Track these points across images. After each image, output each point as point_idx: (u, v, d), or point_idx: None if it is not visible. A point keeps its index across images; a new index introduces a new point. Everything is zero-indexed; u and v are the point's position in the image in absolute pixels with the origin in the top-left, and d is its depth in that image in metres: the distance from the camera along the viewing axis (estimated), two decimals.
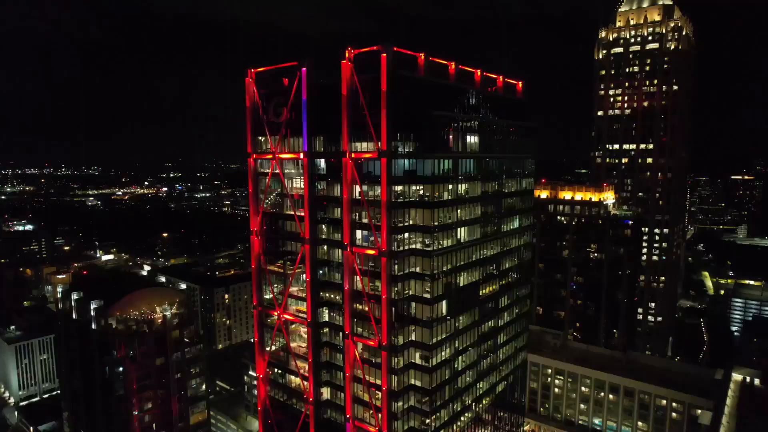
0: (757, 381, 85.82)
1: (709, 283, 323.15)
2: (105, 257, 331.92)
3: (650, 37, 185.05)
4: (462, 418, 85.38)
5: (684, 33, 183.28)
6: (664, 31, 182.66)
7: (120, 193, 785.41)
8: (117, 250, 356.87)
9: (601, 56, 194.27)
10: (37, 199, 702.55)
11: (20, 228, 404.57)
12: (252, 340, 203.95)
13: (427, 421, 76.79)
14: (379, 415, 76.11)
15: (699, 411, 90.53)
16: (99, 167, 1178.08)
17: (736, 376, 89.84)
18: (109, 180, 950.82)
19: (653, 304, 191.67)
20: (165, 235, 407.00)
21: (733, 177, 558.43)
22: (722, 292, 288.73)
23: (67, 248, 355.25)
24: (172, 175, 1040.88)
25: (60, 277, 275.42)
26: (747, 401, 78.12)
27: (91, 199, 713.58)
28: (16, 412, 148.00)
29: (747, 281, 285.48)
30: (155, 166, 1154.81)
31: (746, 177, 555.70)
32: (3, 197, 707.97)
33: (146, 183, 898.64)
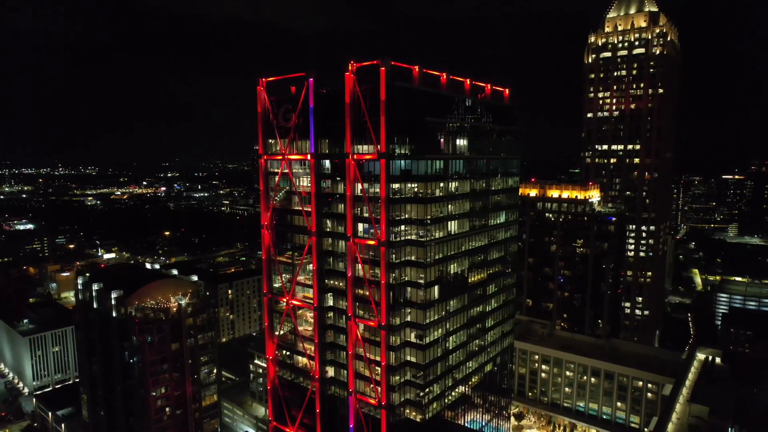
0: (718, 360, 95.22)
1: (698, 279, 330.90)
2: (107, 256, 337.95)
3: (637, 43, 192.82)
4: (453, 393, 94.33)
5: (669, 39, 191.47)
6: (650, 37, 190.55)
7: (119, 193, 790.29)
8: (118, 249, 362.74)
9: (590, 60, 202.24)
10: (36, 198, 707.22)
11: (21, 227, 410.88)
12: (254, 333, 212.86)
13: (422, 393, 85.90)
14: (379, 389, 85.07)
15: (665, 385, 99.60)
16: (96, 167, 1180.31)
17: (700, 356, 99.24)
18: (107, 180, 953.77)
19: (640, 299, 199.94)
20: (167, 233, 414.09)
21: (724, 177, 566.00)
22: (710, 288, 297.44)
23: (71, 246, 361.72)
24: (169, 174, 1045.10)
25: (64, 274, 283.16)
26: (704, 374, 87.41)
27: (90, 198, 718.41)
28: (34, 399, 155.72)
29: (734, 277, 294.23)
30: (152, 166, 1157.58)
31: (737, 177, 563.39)
32: (2, 197, 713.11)
33: (144, 183, 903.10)
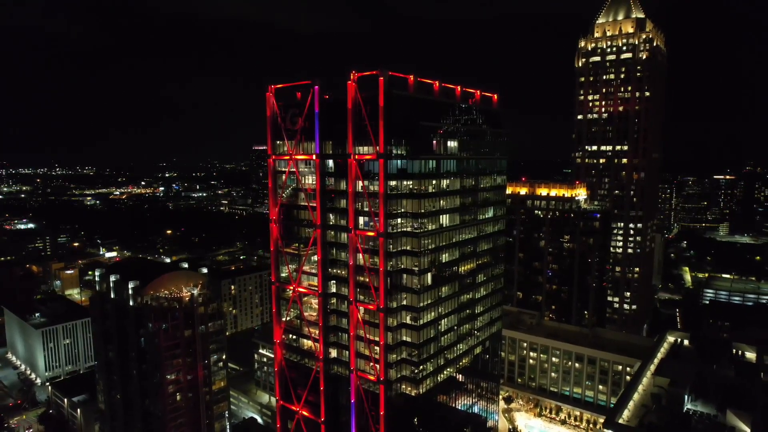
0: (686, 342, 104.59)
1: (688, 277, 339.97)
2: (108, 254, 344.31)
3: (624, 48, 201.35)
4: (445, 372, 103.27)
5: (655, 44, 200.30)
6: (636, 42, 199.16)
7: (117, 193, 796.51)
8: (119, 248, 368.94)
9: (580, 64, 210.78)
10: (35, 198, 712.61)
11: (22, 227, 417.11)
12: (256, 327, 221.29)
13: (416, 370, 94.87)
14: (377, 366, 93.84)
15: (635, 364, 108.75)
16: (93, 167, 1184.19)
17: (670, 338, 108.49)
18: (105, 180, 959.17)
19: (628, 294, 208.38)
20: (168, 232, 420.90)
21: (715, 177, 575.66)
22: (699, 285, 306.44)
23: (76, 244, 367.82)
24: (167, 175, 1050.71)
25: (68, 272, 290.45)
26: (671, 353, 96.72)
27: (89, 198, 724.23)
28: (49, 387, 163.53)
29: (722, 275, 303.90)
30: (150, 166, 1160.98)
31: (728, 177, 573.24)
32: (1, 197, 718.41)
33: (143, 183, 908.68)
